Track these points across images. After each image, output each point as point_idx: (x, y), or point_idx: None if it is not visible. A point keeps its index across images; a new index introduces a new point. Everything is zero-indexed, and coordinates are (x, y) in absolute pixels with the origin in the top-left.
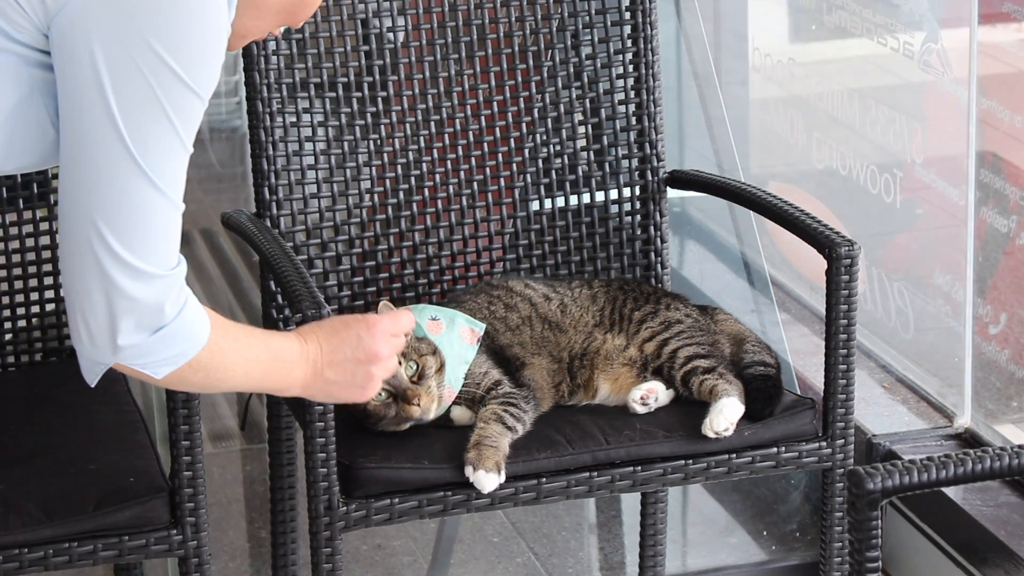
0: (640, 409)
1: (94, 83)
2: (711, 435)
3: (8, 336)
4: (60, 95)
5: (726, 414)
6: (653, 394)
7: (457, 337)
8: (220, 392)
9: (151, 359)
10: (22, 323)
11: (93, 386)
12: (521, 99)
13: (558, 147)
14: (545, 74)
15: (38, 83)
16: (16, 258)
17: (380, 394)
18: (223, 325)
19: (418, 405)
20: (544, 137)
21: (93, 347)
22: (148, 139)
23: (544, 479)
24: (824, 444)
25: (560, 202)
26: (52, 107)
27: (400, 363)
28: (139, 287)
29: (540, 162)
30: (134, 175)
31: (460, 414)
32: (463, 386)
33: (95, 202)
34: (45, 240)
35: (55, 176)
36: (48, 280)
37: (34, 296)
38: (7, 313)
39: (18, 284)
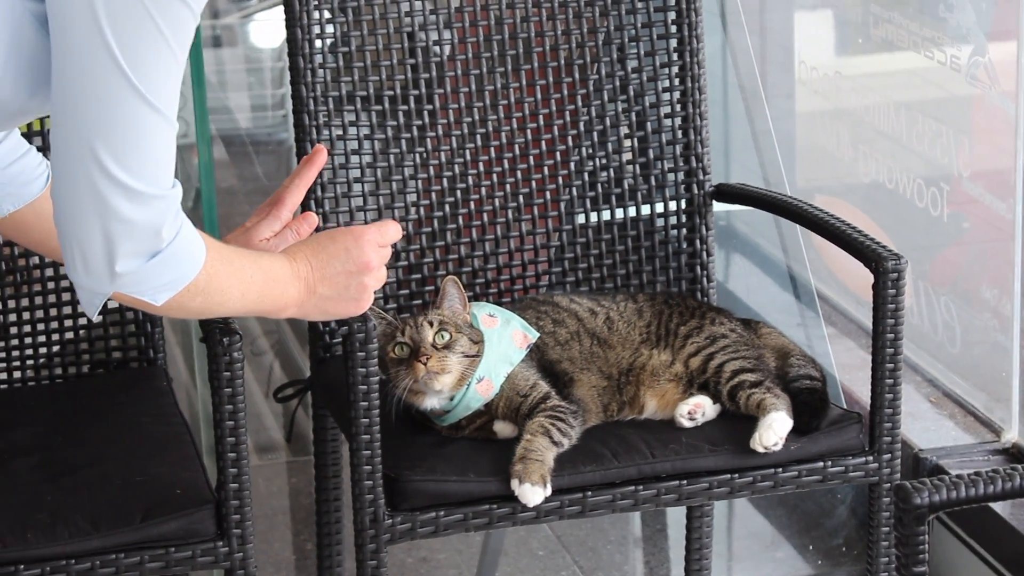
0: (687, 424)
1: (83, 2)
2: (760, 450)
3: (56, 348)
4: (50, 18)
5: (775, 428)
6: (700, 409)
7: (508, 337)
8: (215, 317)
9: (149, 285)
10: (69, 335)
11: (94, 319)
12: (567, 112)
13: (604, 160)
14: (591, 87)
15: (27, 13)
16: (63, 270)
17: (401, 347)
18: (216, 247)
19: (424, 365)
20: (590, 150)
21: (90, 276)
22: (140, 56)
23: (590, 492)
24: (871, 459)
25: (606, 215)
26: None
27: (431, 325)
28: (136, 209)
29: (586, 175)
30: (128, 93)
31: (504, 428)
32: (508, 396)
33: (89, 125)
34: None
35: None
36: None
37: (81, 309)
38: (54, 325)
39: (65, 296)
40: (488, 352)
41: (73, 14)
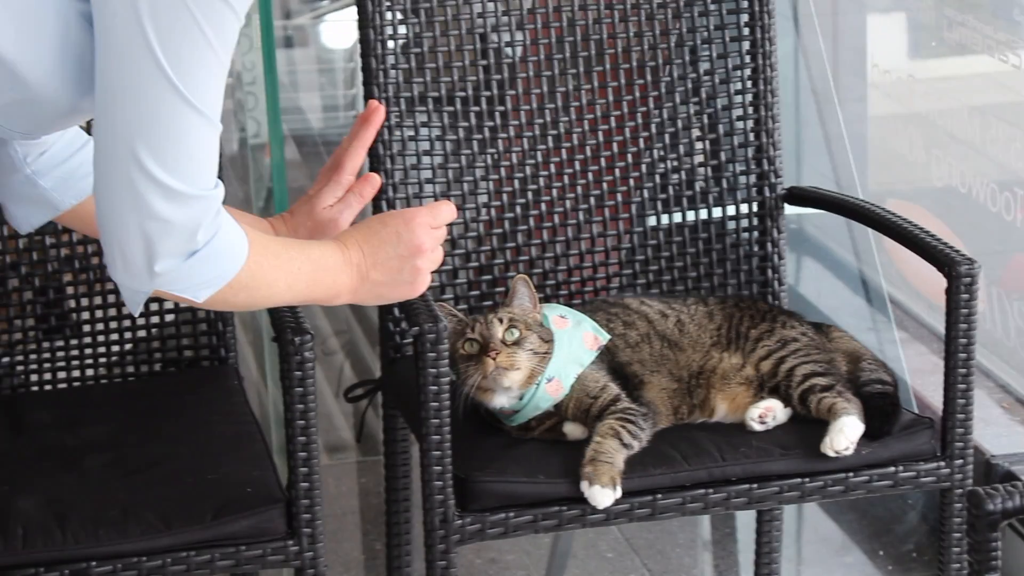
0: (758, 427)
1: (127, 1)
2: (831, 454)
3: (128, 346)
4: (94, 16)
5: (847, 433)
6: (771, 412)
7: (579, 338)
8: (265, 308)
9: (190, 283)
10: (142, 333)
11: (137, 315)
12: (639, 114)
13: (675, 163)
14: (663, 89)
15: (74, 13)
16: None
17: (470, 343)
18: (261, 241)
19: (493, 360)
20: (661, 152)
21: (129, 275)
22: (182, 56)
23: (660, 495)
24: (943, 464)
25: (677, 218)
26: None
27: (501, 321)
28: (174, 208)
29: (657, 178)
30: (168, 93)
31: (574, 429)
32: (577, 397)
33: (130, 123)
34: None
35: None
36: None
37: (153, 307)
38: (127, 323)
39: None
40: (558, 353)
41: (115, 12)
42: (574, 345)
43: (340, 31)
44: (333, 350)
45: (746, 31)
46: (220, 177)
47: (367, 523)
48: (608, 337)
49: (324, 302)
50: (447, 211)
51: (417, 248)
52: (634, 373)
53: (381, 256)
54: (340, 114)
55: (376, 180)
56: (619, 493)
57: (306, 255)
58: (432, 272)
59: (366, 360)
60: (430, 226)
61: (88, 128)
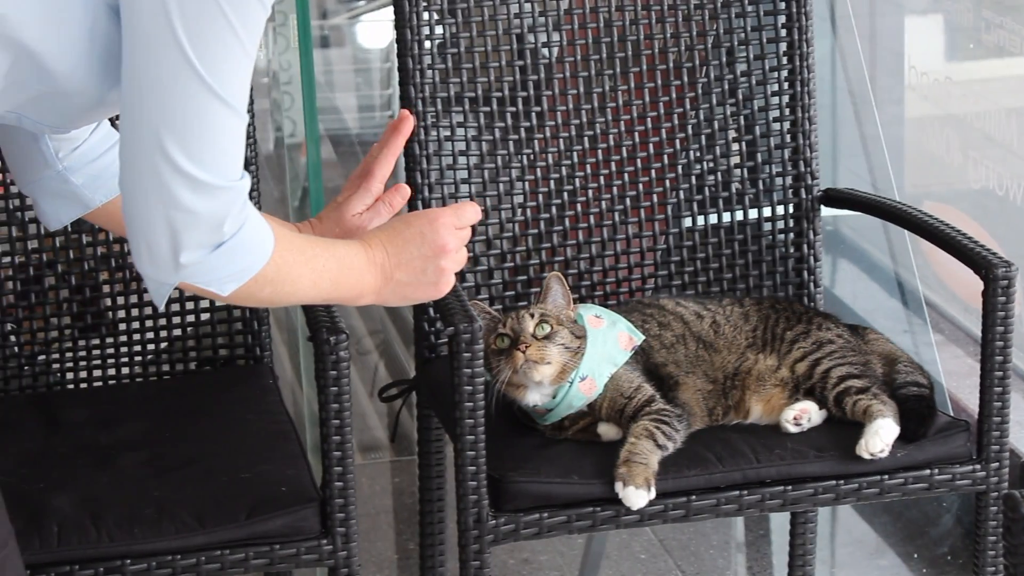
0: (793, 429)
1: None
2: (866, 456)
3: (163, 345)
4: (121, 8)
5: (882, 435)
6: (807, 414)
7: (613, 338)
8: (289, 305)
9: (215, 276)
10: (177, 332)
11: (162, 308)
12: (675, 115)
13: (711, 164)
14: (700, 90)
15: (102, 5)
16: None
17: (502, 338)
18: (287, 238)
19: (523, 353)
20: (698, 153)
21: (155, 267)
22: (209, 47)
23: (694, 496)
24: (978, 467)
25: (713, 219)
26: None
27: (532, 316)
28: (200, 200)
29: (693, 179)
30: (195, 84)
31: (608, 430)
32: (611, 397)
33: (156, 114)
34: None
35: None
36: None
37: (189, 306)
38: (162, 322)
39: (173, 294)
40: (592, 352)
41: (142, 3)
42: (608, 344)
43: (376, 31)
44: (367, 350)
45: (783, 32)
46: (253, 174)
47: (400, 523)
48: (643, 338)
49: (348, 302)
50: (471, 212)
51: (441, 248)
52: (669, 374)
53: (405, 256)
54: (376, 114)
55: (406, 191)
56: (653, 494)
57: (331, 253)
58: (458, 272)
59: (400, 360)
60: (454, 226)
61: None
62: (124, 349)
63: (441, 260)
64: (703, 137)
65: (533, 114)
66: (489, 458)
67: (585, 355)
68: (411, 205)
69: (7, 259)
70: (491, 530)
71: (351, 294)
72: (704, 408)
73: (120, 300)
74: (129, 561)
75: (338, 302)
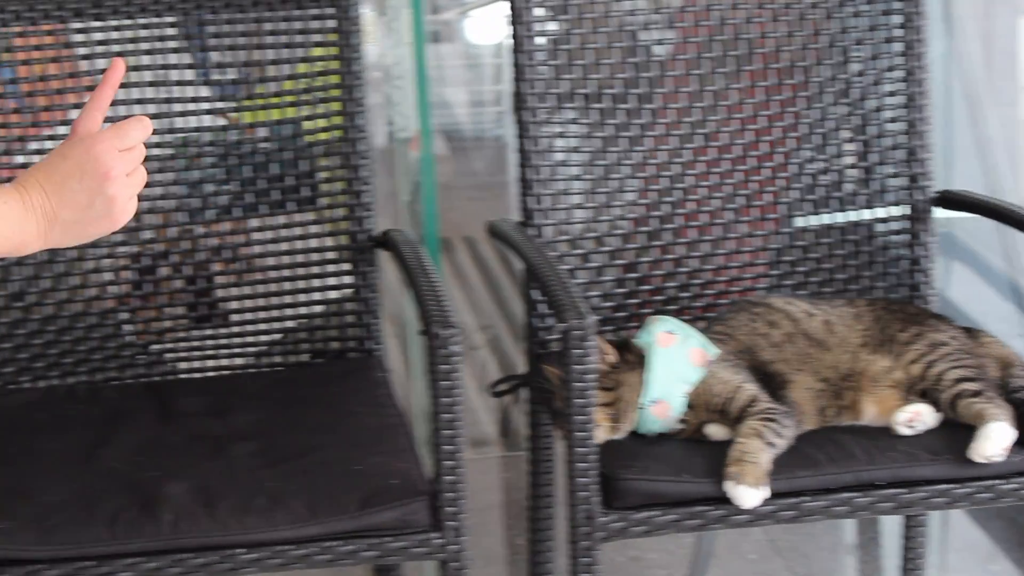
0: (906, 431)
1: None
2: (980, 460)
3: (277, 336)
4: None
5: (997, 439)
6: (920, 416)
7: (684, 355)
8: None
9: None
10: (290, 324)
11: None
12: (789, 114)
13: (825, 164)
14: (814, 90)
15: None
16: (286, 260)
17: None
18: None
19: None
20: (811, 153)
21: None
22: None
23: (805, 498)
24: None
25: (826, 219)
26: None
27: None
28: None
29: (807, 179)
30: None
31: (716, 430)
32: (705, 400)
33: None
34: (314, 243)
35: (325, 181)
36: (316, 282)
37: (302, 298)
38: (275, 313)
39: (287, 285)
40: (663, 373)
41: None
42: (679, 363)
43: (486, 27)
44: (477, 345)
45: (899, 32)
46: (366, 167)
47: (510, 518)
48: (717, 352)
49: (11, 254)
50: (136, 129)
51: (104, 176)
52: (778, 372)
53: (67, 194)
54: (487, 109)
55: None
56: (766, 493)
57: None
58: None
59: (510, 355)
60: (116, 149)
61: None
62: (237, 340)
63: (108, 189)
64: (817, 137)
65: (646, 112)
66: (600, 455)
67: (654, 378)
68: (523, 201)
69: (123, 249)
70: (601, 527)
71: (10, 246)
72: (815, 407)
73: (234, 291)
74: (242, 550)
75: (2, 255)
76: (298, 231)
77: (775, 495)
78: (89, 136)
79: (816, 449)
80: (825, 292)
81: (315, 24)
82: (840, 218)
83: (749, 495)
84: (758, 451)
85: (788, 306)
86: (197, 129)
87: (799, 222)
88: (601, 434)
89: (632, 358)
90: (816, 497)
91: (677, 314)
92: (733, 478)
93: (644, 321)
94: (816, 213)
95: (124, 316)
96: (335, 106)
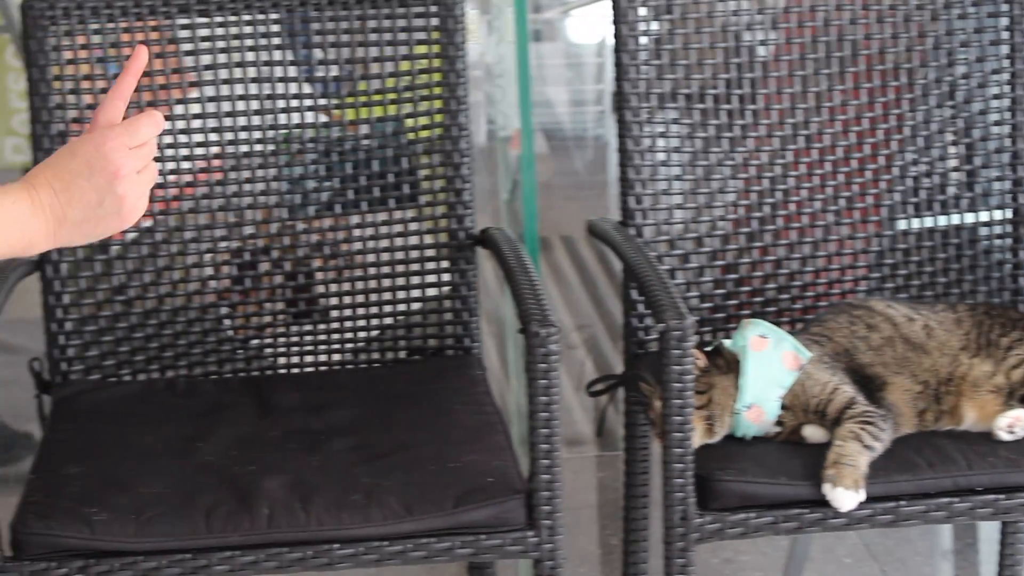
0: (1006, 437)
1: None
2: None
3: (375, 333)
4: None
5: None
6: (1021, 422)
7: (777, 359)
8: None
9: None
10: (388, 321)
11: None
12: (893, 116)
13: (928, 166)
14: (918, 92)
15: None
16: (385, 257)
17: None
18: None
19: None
20: (914, 156)
21: None
22: None
23: (903, 502)
24: None
25: (928, 222)
26: None
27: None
28: None
29: (909, 181)
30: None
31: (814, 433)
32: (802, 402)
33: None
34: (414, 240)
35: (426, 179)
36: (415, 280)
37: (401, 295)
38: (374, 310)
39: (386, 283)
40: (756, 377)
41: None
42: (772, 368)
43: (588, 26)
44: (575, 344)
45: (1005, 35)
46: (467, 165)
47: (604, 518)
48: (810, 355)
49: (19, 254)
50: (147, 124)
51: (113, 174)
52: (876, 374)
53: (76, 192)
54: (588, 108)
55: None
56: (863, 496)
57: None
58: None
59: (606, 355)
60: (126, 147)
61: None
62: (336, 336)
63: (117, 187)
64: (921, 139)
65: (748, 112)
66: (696, 456)
67: (749, 383)
68: (623, 201)
69: (223, 244)
70: (697, 528)
71: (18, 247)
72: (913, 410)
73: (333, 287)
74: (338, 546)
75: (9, 255)
76: (398, 228)
77: (872, 499)
78: (99, 132)
79: (915, 453)
80: (926, 296)
81: (419, 22)
82: (942, 221)
83: (847, 498)
84: (856, 454)
85: (888, 310)
86: (299, 126)
87: (901, 225)
88: (696, 439)
89: (722, 363)
90: (914, 501)
91: (776, 316)
92: (831, 480)
93: (739, 324)
94: (918, 216)
95: (224, 311)
96: (437, 104)
